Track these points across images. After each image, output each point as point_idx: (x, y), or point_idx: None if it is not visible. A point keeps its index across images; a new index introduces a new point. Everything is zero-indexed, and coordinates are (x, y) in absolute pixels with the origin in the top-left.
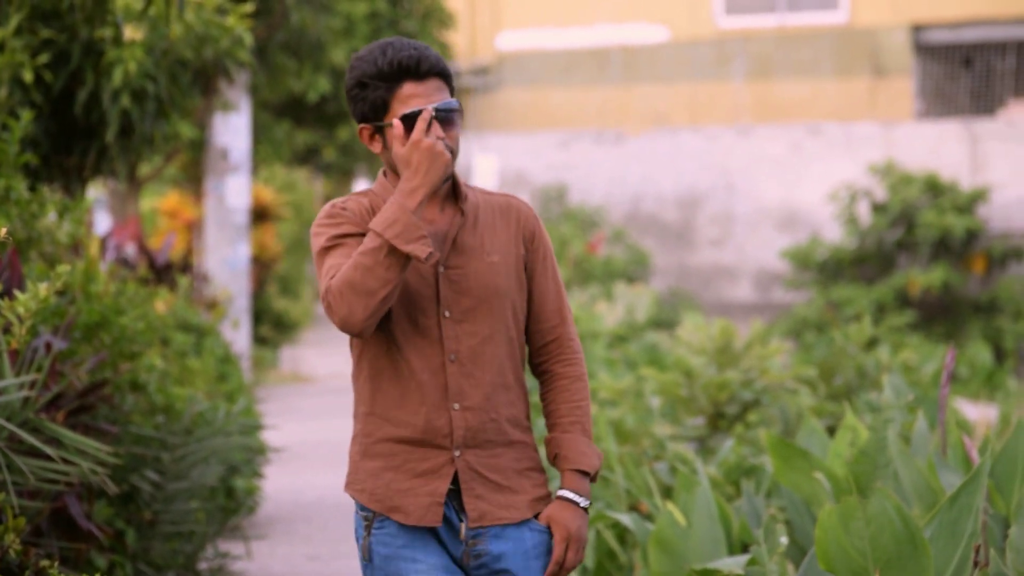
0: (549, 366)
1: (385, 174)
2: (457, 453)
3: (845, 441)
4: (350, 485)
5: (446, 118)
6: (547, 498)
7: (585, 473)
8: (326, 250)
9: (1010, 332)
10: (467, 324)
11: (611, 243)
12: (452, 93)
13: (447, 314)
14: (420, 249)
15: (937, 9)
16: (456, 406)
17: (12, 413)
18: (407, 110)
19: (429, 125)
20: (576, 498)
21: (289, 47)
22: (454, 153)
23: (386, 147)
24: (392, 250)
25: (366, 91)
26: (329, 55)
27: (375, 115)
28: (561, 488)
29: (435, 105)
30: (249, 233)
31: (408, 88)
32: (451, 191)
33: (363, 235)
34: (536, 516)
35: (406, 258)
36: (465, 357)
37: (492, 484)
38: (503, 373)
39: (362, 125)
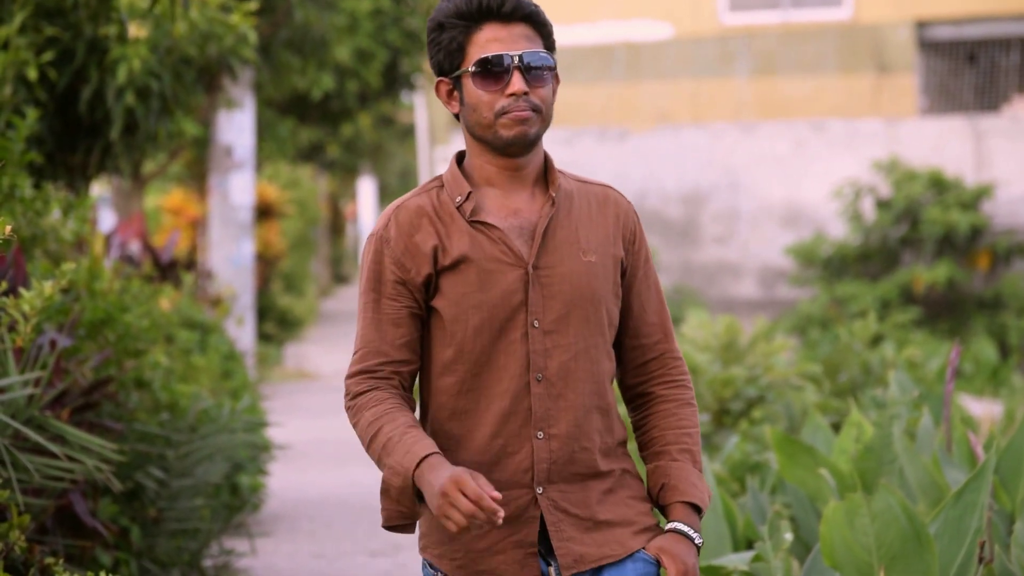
0: (651, 387)
1: (460, 159)
2: (540, 490)
3: (850, 437)
4: (426, 549)
5: (532, 72)
6: (654, 529)
7: (697, 508)
8: (362, 304)
9: (1015, 328)
10: (558, 335)
11: None
12: (550, 47)
13: (535, 324)
14: (384, 513)
15: (941, 5)
16: (540, 434)
17: (17, 410)
18: (482, 53)
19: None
20: (691, 532)
21: (293, 44)
22: (543, 114)
23: (463, 105)
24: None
25: (442, 35)
26: (333, 52)
27: (450, 64)
28: (672, 520)
29: (517, 52)
30: (253, 230)
31: (489, 31)
32: (542, 175)
33: (401, 283)
34: (643, 548)
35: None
36: (554, 375)
37: (585, 522)
38: (600, 393)
39: (439, 79)
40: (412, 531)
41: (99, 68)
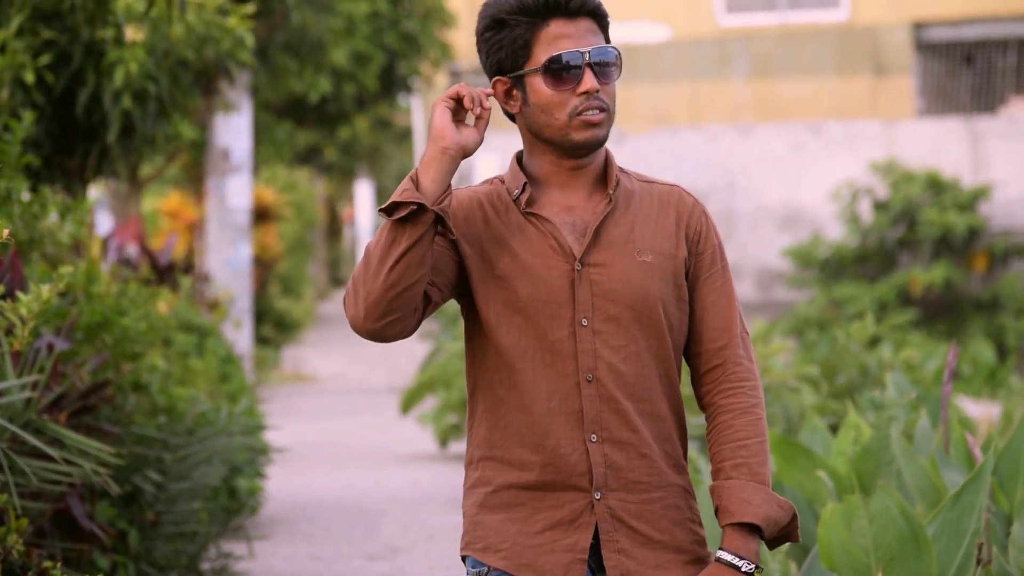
0: (713, 398)
1: (520, 159)
2: (598, 496)
3: (848, 439)
4: (469, 545)
5: (601, 68)
6: (706, 560)
7: (753, 527)
8: None
9: (1012, 329)
10: (608, 336)
11: None
12: (607, 39)
13: (584, 322)
14: (400, 195)
15: (938, 7)
16: (593, 437)
17: (14, 414)
18: (554, 51)
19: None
20: (735, 561)
21: (290, 47)
22: (610, 113)
23: (526, 104)
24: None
25: (502, 32)
26: (330, 55)
27: (513, 63)
28: (720, 548)
29: (586, 49)
30: (251, 233)
31: (556, 27)
32: (602, 174)
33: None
34: None
35: (410, 222)
36: (604, 376)
37: (641, 537)
38: (653, 400)
39: (496, 78)
40: (408, 210)
41: (96, 71)
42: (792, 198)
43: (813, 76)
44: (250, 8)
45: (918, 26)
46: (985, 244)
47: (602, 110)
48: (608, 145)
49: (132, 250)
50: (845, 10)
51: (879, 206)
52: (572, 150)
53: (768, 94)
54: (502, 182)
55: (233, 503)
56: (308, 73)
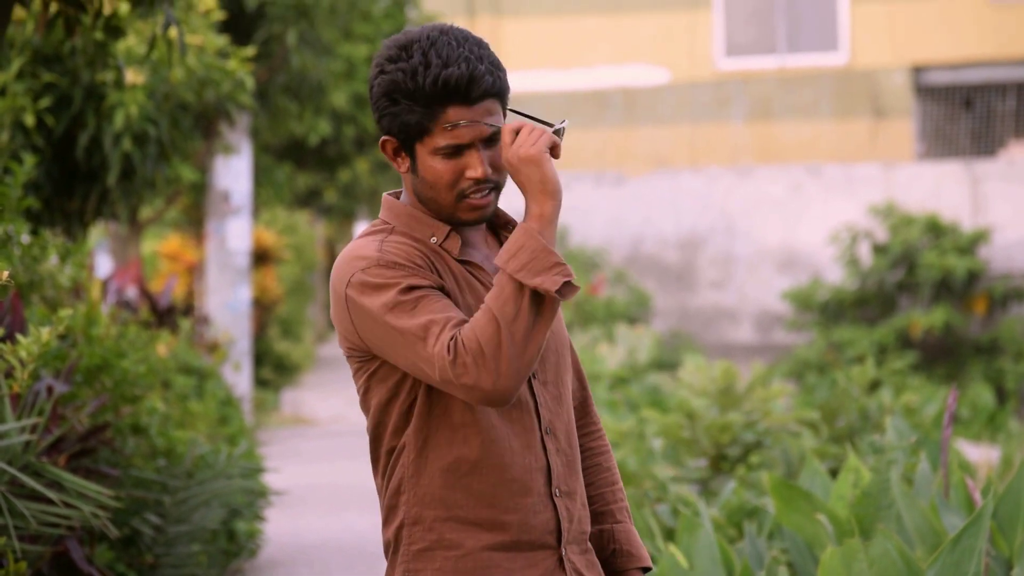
0: (579, 439)
1: (398, 197)
2: (564, 552)
3: (847, 483)
4: None
5: (491, 142)
6: None
7: (647, 570)
8: (413, 302)
9: (1012, 373)
10: (552, 387)
11: (612, 284)
12: (505, 102)
13: (536, 375)
14: (549, 281)
15: (937, 50)
16: (557, 492)
17: (14, 457)
18: (450, 141)
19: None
20: None
21: (290, 90)
22: (500, 187)
23: (413, 169)
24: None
25: (398, 107)
26: (330, 98)
27: (406, 136)
28: None
29: (483, 136)
30: (250, 276)
31: (454, 113)
32: (490, 225)
33: (439, 288)
34: None
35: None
36: (557, 428)
37: None
38: (577, 448)
39: (386, 138)
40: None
41: (96, 114)
42: (791, 241)
43: (812, 119)
44: (250, 51)
45: (917, 69)
46: (984, 287)
47: (492, 190)
48: (607, 187)
49: (132, 292)
50: (844, 53)
51: (878, 249)
52: (458, 224)
53: (767, 137)
54: (391, 230)
55: (232, 546)
56: (308, 116)
